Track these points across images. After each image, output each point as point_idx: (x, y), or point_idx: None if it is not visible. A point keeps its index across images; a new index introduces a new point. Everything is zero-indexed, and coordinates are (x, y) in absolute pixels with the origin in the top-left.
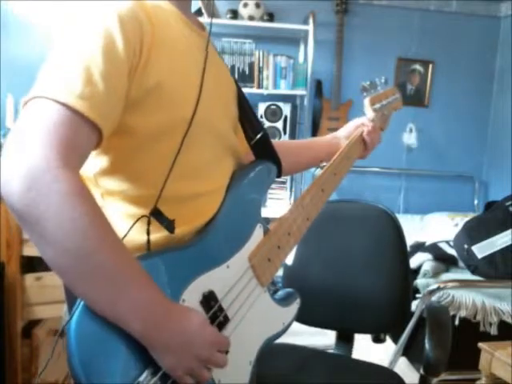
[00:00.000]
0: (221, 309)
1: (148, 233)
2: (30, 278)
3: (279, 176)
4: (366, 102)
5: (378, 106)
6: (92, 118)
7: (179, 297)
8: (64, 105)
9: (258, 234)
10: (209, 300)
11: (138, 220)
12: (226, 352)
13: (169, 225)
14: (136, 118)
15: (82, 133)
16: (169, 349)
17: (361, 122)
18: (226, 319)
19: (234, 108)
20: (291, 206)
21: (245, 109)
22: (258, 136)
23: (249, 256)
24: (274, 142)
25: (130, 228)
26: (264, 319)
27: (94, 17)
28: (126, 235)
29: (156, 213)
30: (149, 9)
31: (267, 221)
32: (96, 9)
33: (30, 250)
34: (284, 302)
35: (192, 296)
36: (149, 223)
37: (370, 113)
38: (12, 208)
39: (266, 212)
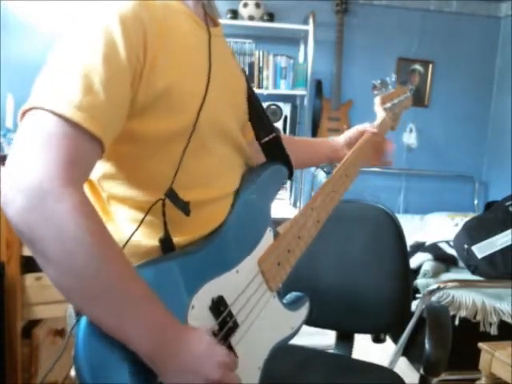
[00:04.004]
0: (230, 314)
1: (164, 214)
2: (30, 278)
3: (290, 178)
4: (377, 101)
5: (388, 105)
6: (93, 131)
7: (189, 303)
8: (63, 117)
9: (267, 237)
10: (218, 305)
11: (154, 203)
12: (236, 357)
13: (184, 207)
14: (145, 123)
15: (84, 146)
16: (177, 372)
17: (364, 128)
18: (236, 325)
19: (243, 106)
20: (301, 209)
21: (255, 107)
22: (271, 136)
23: (258, 260)
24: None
25: (143, 219)
26: (273, 324)
27: (94, 19)
28: (131, 236)
29: (171, 194)
30: (154, 7)
31: (275, 223)
32: (96, 10)
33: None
34: (293, 305)
35: (201, 302)
36: (164, 205)
37: (380, 112)
38: (15, 227)
39: None
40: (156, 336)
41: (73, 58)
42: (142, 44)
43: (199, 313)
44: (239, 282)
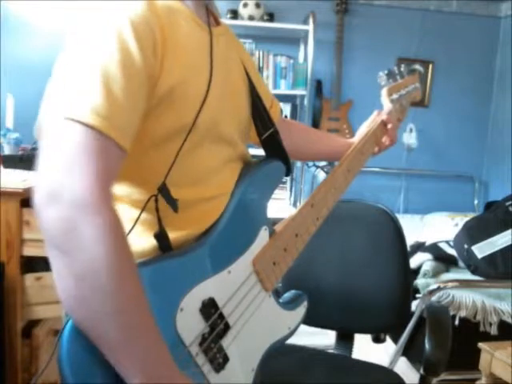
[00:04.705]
0: (221, 316)
1: (157, 210)
2: (30, 278)
3: (288, 175)
4: (383, 92)
5: (395, 96)
6: (122, 144)
7: (177, 305)
8: (98, 131)
9: (262, 236)
10: (209, 308)
11: (149, 199)
12: (227, 360)
13: (173, 203)
14: (146, 124)
15: (114, 158)
16: None
17: (373, 119)
18: (227, 327)
19: (245, 106)
20: (300, 206)
21: (256, 104)
22: (268, 132)
23: (253, 260)
24: (294, 122)
25: (138, 217)
26: (268, 325)
27: (105, 25)
28: (129, 232)
29: (163, 189)
30: (159, 10)
31: (273, 222)
32: (105, 14)
33: (30, 250)
34: (290, 305)
35: (191, 304)
36: (156, 200)
37: (387, 104)
38: (45, 231)
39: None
40: (150, 372)
41: (91, 66)
42: (152, 48)
43: (188, 315)
44: (231, 283)
